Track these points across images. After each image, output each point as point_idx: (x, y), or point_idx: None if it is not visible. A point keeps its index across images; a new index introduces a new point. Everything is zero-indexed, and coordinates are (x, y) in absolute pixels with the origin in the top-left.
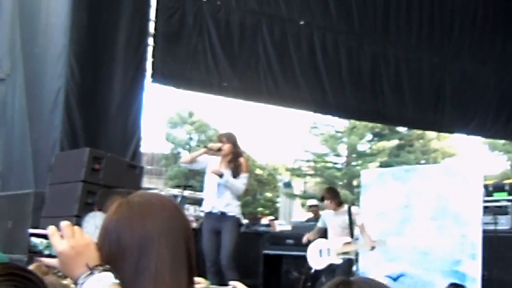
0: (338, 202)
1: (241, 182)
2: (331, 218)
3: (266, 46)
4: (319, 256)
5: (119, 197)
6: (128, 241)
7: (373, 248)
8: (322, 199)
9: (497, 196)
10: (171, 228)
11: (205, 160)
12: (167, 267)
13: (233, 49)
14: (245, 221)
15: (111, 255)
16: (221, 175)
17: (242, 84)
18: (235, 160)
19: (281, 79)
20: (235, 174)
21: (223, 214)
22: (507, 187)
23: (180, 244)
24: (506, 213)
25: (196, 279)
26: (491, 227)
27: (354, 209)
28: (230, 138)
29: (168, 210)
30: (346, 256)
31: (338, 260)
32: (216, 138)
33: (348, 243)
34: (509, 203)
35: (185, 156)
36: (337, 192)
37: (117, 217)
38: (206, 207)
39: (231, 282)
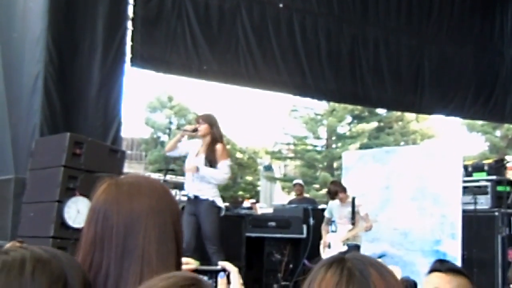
0: (346, 193)
1: (223, 172)
2: (338, 209)
3: (246, 29)
4: (329, 248)
5: (108, 178)
6: (115, 221)
7: (370, 227)
8: (333, 194)
9: (476, 176)
10: (158, 209)
11: (186, 145)
12: (154, 248)
13: (213, 32)
14: (225, 204)
15: (97, 235)
16: (197, 169)
17: (222, 67)
18: (213, 144)
19: (260, 62)
20: (212, 162)
21: (196, 197)
22: (486, 167)
23: (168, 226)
24: (485, 193)
25: (186, 259)
26: (471, 207)
27: (357, 200)
28: (206, 119)
29: (156, 191)
30: (353, 242)
31: (344, 247)
32: (194, 121)
33: (351, 230)
34: (488, 183)
35: (167, 145)
36: (342, 183)
37: (105, 197)
38: (186, 191)
39: (220, 263)
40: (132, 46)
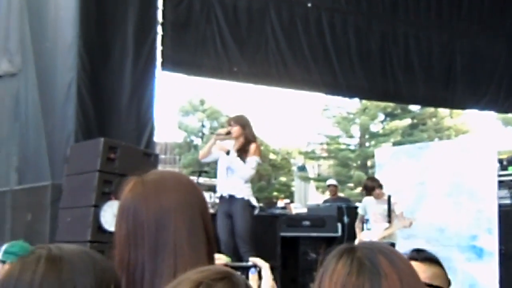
0: (382, 190)
1: (249, 167)
2: (373, 206)
3: (275, 29)
4: None
5: (133, 177)
6: (145, 218)
7: (410, 224)
8: (369, 190)
9: (511, 170)
10: (186, 202)
11: (219, 150)
12: (186, 241)
13: (242, 34)
14: (259, 205)
15: (129, 233)
16: (227, 152)
17: (252, 68)
18: (247, 145)
19: (290, 61)
20: (242, 158)
21: (231, 197)
22: None
23: (197, 218)
24: None
25: (217, 255)
26: (507, 201)
27: (393, 198)
28: (238, 121)
29: (183, 185)
30: (388, 240)
31: None
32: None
33: (387, 228)
34: None
35: (201, 151)
36: (378, 180)
37: (132, 195)
38: (218, 191)
39: (251, 259)
40: (162, 51)
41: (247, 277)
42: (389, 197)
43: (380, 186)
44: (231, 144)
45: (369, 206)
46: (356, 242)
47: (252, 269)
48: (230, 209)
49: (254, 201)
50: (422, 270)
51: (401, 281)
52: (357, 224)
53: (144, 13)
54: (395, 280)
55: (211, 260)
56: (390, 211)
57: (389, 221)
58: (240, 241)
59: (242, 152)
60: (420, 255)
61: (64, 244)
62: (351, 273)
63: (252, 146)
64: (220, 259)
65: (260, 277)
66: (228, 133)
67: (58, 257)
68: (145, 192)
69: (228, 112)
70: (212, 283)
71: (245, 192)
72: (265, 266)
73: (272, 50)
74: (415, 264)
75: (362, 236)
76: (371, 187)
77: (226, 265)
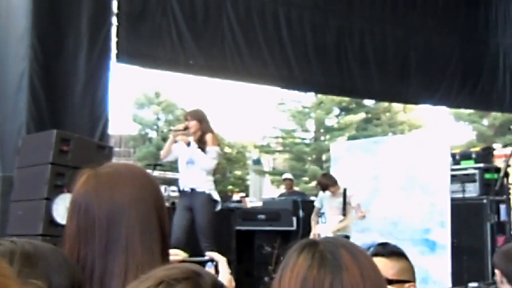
0: (337, 185)
1: (210, 157)
2: (328, 200)
3: (231, 22)
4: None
5: (87, 170)
6: (97, 213)
7: (363, 217)
8: (323, 187)
9: (464, 164)
10: (141, 198)
11: (178, 145)
12: (138, 238)
13: (198, 27)
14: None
15: (80, 229)
16: (188, 143)
17: (208, 61)
18: (203, 136)
19: (247, 55)
20: (202, 149)
21: (193, 190)
22: (473, 155)
23: (152, 214)
24: (473, 181)
25: (174, 251)
26: (459, 195)
27: (349, 191)
28: (195, 115)
29: (138, 179)
30: (343, 233)
31: None
32: (183, 117)
33: (341, 221)
34: (476, 171)
35: (162, 152)
36: (332, 176)
37: (85, 189)
38: (180, 185)
39: (208, 253)
40: (117, 42)
41: None
42: (344, 190)
43: (335, 183)
44: (189, 140)
45: (325, 200)
46: (311, 235)
47: (209, 263)
48: (191, 203)
49: (216, 196)
50: (390, 267)
51: (362, 275)
52: (313, 217)
53: (99, 4)
54: (356, 273)
55: (165, 258)
56: (345, 204)
57: (344, 214)
58: (201, 236)
59: (201, 144)
60: (386, 249)
61: (33, 240)
62: (312, 266)
63: (209, 136)
64: (178, 254)
65: (217, 271)
66: (186, 128)
67: (33, 253)
68: (98, 186)
69: (184, 105)
70: (173, 283)
71: (206, 185)
72: (222, 260)
73: (229, 43)
74: (381, 260)
75: (317, 229)
76: (325, 184)
77: (182, 260)
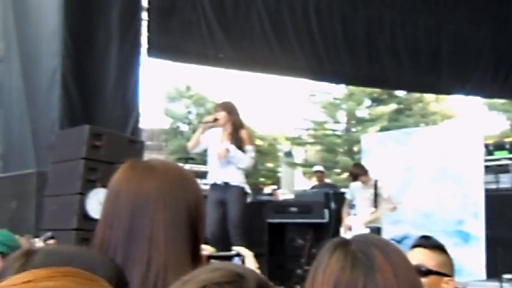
0: (368, 176)
1: (249, 156)
2: (360, 191)
3: (261, 15)
4: (351, 231)
5: (128, 160)
6: (124, 200)
7: (394, 208)
8: (354, 177)
9: (498, 154)
10: (171, 193)
11: (208, 137)
12: (163, 231)
13: (228, 20)
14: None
15: (108, 214)
16: (228, 151)
17: (238, 54)
18: (235, 131)
19: (276, 47)
20: (240, 148)
21: (226, 184)
22: (507, 146)
23: (180, 210)
24: (507, 171)
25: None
26: (493, 186)
27: (380, 182)
28: (225, 107)
29: (172, 175)
30: (374, 225)
31: (366, 230)
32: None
33: (373, 213)
34: (510, 162)
35: (190, 143)
36: (364, 166)
37: (119, 177)
38: (210, 179)
39: (235, 248)
40: (148, 37)
41: None
42: (375, 181)
43: (365, 172)
44: (218, 132)
45: (356, 191)
46: (342, 227)
47: (236, 258)
48: (224, 197)
49: (247, 188)
50: (430, 258)
51: (395, 275)
52: (345, 209)
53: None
54: (389, 273)
55: (195, 258)
56: (376, 196)
57: (376, 206)
58: (233, 229)
59: (237, 141)
60: (429, 242)
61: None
62: (345, 268)
63: (244, 133)
64: (205, 250)
65: (246, 265)
66: (215, 120)
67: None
68: (132, 175)
69: (214, 99)
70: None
71: (239, 179)
72: (248, 255)
73: (258, 36)
74: (423, 251)
75: (348, 221)
76: (356, 174)
77: (210, 256)
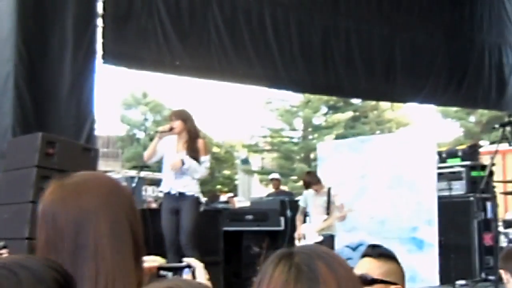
0: (320, 184)
1: (204, 167)
2: (313, 199)
3: (217, 22)
4: (304, 239)
5: (55, 180)
6: (64, 221)
7: (344, 217)
8: (306, 185)
9: (450, 162)
10: (109, 203)
11: (163, 146)
12: (108, 243)
13: (184, 27)
14: (204, 199)
15: (49, 238)
16: (182, 163)
17: (194, 61)
18: (191, 140)
19: (233, 55)
20: (195, 158)
21: (181, 194)
22: (460, 153)
23: (121, 220)
24: (460, 179)
25: (151, 257)
26: (446, 193)
27: (333, 190)
28: (180, 115)
29: (105, 186)
30: (328, 232)
31: (319, 238)
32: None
33: (325, 220)
34: (462, 169)
35: (146, 153)
36: (316, 174)
37: (51, 199)
38: (164, 188)
39: (185, 259)
40: (103, 43)
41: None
42: (329, 189)
43: (318, 181)
44: (173, 140)
45: (309, 199)
46: (296, 234)
47: (186, 270)
48: (178, 205)
49: (201, 198)
50: (377, 266)
51: (339, 287)
52: (298, 217)
53: (83, 5)
54: (334, 286)
55: (138, 263)
56: (329, 203)
57: (328, 213)
58: (184, 238)
59: (192, 151)
60: (375, 251)
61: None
62: (288, 281)
63: (201, 143)
64: (155, 261)
65: (194, 278)
66: (171, 129)
67: None
68: (64, 195)
69: (171, 105)
70: None
71: (194, 189)
72: (199, 266)
73: (215, 44)
74: (369, 261)
75: (302, 229)
76: (308, 182)
77: (160, 267)
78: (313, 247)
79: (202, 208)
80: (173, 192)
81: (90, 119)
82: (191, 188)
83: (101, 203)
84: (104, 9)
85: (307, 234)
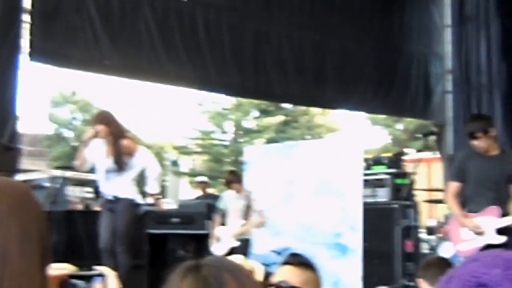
0: (241, 185)
1: (147, 160)
2: (233, 201)
3: (148, 23)
4: (219, 242)
5: None
6: None
7: (262, 224)
8: (227, 183)
9: (376, 169)
10: (19, 208)
11: (92, 150)
12: (16, 248)
13: (114, 26)
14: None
15: None
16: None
17: (124, 61)
18: (118, 142)
19: (163, 56)
20: (121, 163)
21: (115, 197)
22: (385, 161)
23: (31, 225)
24: (384, 186)
25: (61, 264)
26: (371, 200)
27: (253, 195)
28: (101, 120)
29: (16, 191)
30: (244, 237)
31: (236, 243)
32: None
33: (244, 225)
34: (387, 176)
35: (76, 162)
36: (239, 175)
37: None
38: (102, 190)
39: (97, 267)
40: (30, 40)
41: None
42: (249, 193)
43: (239, 181)
44: (102, 145)
45: (229, 201)
46: (211, 237)
47: (97, 278)
48: (114, 209)
49: (139, 199)
50: (296, 275)
51: None
52: (216, 219)
53: (8, 1)
54: None
55: (43, 271)
56: (248, 208)
57: (246, 218)
58: (118, 241)
59: (120, 153)
60: (296, 259)
61: None
62: None
63: (125, 143)
64: (65, 268)
65: (108, 286)
66: (95, 135)
67: None
68: None
69: (100, 105)
70: None
71: (129, 191)
72: (110, 275)
73: (145, 44)
74: (289, 269)
75: (217, 232)
76: (229, 180)
77: (70, 275)
78: (221, 259)
79: (141, 210)
80: (108, 195)
81: (13, 117)
82: (125, 190)
83: (11, 207)
84: (32, 4)
85: (223, 237)
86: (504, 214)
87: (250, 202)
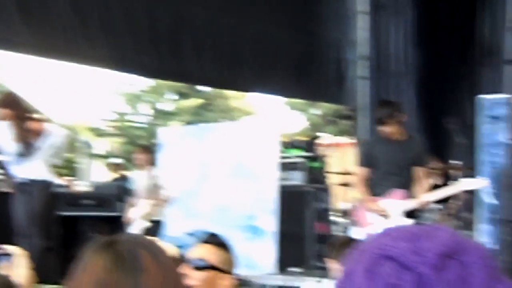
0: (151, 163)
1: (58, 135)
2: (141, 182)
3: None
4: (133, 223)
5: None
6: None
7: (165, 202)
8: (138, 161)
9: (290, 152)
10: None
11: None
12: None
13: (26, 2)
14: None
15: None
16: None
17: (37, 40)
18: (23, 125)
19: (78, 36)
20: (28, 145)
21: (30, 180)
22: (300, 144)
23: None
24: (298, 169)
25: None
26: (285, 183)
27: (161, 174)
28: (6, 103)
29: None
30: (156, 218)
31: (147, 223)
32: None
33: (152, 205)
34: (301, 160)
35: None
36: (151, 152)
37: None
38: (15, 173)
39: (3, 246)
40: None
41: None
42: (158, 173)
43: (149, 158)
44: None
45: (138, 181)
46: (124, 218)
47: (4, 257)
48: (29, 190)
49: (51, 179)
50: (213, 253)
51: (163, 276)
52: (129, 200)
53: None
54: (157, 274)
55: None
56: (157, 187)
57: (155, 198)
58: (31, 222)
59: (26, 135)
60: (214, 239)
61: None
62: (111, 269)
63: (33, 125)
64: None
65: (15, 265)
66: (1, 118)
67: None
68: None
69: (10, 85)
70: None
71: (44, 172)
72: (18, 254)
73: (60, 22)
74: (208, 247)
75: (130, 213)
76: (139, 158)
77: None
78: (137, 236)
79: (55, 189)
80: (21, 178)
81: None
82: (39, 172)
83: None
84: None
85: (134, 219)
86: (410, 197)
87: (158, 182)
